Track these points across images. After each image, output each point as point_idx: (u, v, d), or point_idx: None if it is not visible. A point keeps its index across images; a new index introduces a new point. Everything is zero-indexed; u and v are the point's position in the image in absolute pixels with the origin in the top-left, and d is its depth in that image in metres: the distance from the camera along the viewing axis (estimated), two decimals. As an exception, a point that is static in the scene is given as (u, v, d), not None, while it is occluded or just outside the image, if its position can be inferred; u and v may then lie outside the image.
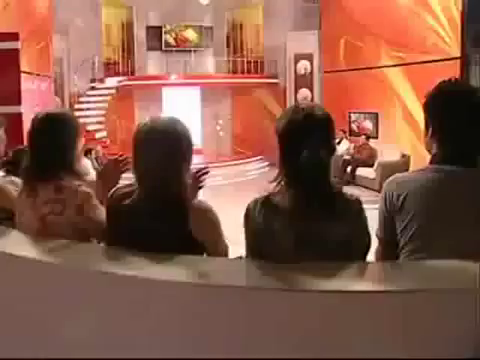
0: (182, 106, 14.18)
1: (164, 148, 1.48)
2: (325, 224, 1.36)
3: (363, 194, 8.24)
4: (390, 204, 1.48)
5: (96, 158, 8.68)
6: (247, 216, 1.46)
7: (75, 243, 1.59)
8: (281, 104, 12.71)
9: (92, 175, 7.04)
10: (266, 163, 13.42)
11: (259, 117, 13.55)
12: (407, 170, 8.32)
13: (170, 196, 1.48)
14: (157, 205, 1.48)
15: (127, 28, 12.96)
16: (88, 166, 7.84)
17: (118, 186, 1.65)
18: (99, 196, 1.72)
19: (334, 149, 1.45)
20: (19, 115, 5.68)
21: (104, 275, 1.34)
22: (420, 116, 7.08)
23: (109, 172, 1.86)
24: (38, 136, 1.76)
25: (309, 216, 1.36)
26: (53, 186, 1.69)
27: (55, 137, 1.73)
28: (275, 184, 1.44)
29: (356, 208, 1.43)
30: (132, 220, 1.49)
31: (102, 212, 1.66)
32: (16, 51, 5.97)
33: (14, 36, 5.91)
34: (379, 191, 7.17)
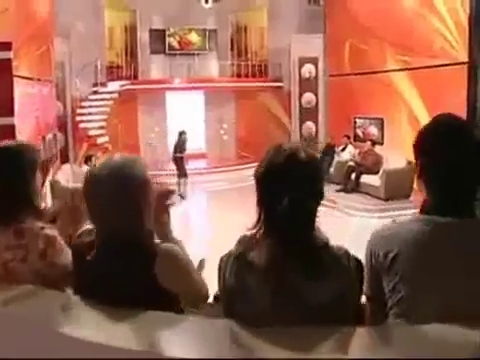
0: (186, 110, 14.08)
1: (111, 195, 1.34)
2: (306, 282, 1.20)
3: (368, 202, 8.06)
4: (377, 262, 1.30)
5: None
6: (219, 270, 1.31)
7: (36, 291, 1.46)
8: (286, 108, 12.58)
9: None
10: (270, 167, 13.28)
11: (263, 121, 13.40)
12: (413, 178, 8.14)
13: (128, 242, 1.36)
14: (117, 252, 1.35)
15: (130, 31, 12.85)
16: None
17: (83, 229, 1.51)
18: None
19: (322, 196, 1.29)
20: (12, 127, 5.58)
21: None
22: (427, 122, 6.87)
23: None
24: None
25: (288, 272, 1.20)
26: (13, 230, 1.55)
27: (6, 174, 1.59)
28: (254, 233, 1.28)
29: (344, 265, 1.26)
30: (95, 267, 1.36)
31: (68, 255, 1.53)
32: (8, 61, 5.86)
33: (7, 46, 5.80)
34: (384, 199, 7.00)
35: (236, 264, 1.25)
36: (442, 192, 1.27)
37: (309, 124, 11.79)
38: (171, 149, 13.29)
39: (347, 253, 1.30)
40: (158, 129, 13.25)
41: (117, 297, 1.26)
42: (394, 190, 7.93)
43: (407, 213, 7.83)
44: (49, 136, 8.51)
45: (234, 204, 9.89)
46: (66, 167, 8.12)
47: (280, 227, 1.21)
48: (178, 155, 10.19)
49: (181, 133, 10.36)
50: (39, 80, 9.12)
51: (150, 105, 13.14)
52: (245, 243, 1.26)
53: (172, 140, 13.56)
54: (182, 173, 10.10)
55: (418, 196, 8.31)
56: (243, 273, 1.23)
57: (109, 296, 1.28)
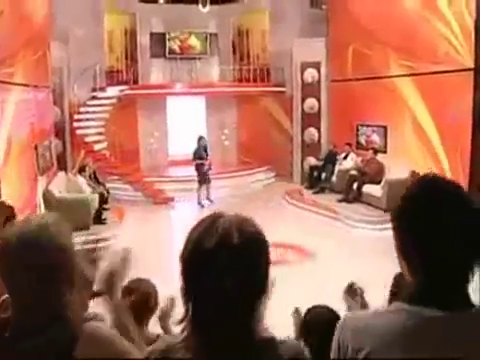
0: (187, 115, 13.89)
1: (21, 265, 1.13)
2: None
3: (369, 214, 7.80)
4: (344, 356, 1.04)
5: (91, 175, 8.35)
6: None
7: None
8: (288, 113, 12.34)
9: (86, 193, 6.68)
10: (273, 174, 13.06)
11: (265, 126, 13.19)
12: None
13: (45, 320, 1.15)
14: (32, 331, 1.13)
15: (130, 35, 12.69)
16: (82, 184, 7.62)
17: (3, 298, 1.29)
18: None
19: (263, 284, 1.00)
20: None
21: None
22: (431, 130, 6.48)
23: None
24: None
25: None
26: None
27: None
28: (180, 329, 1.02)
29: None
30: (11, 346, 1.14)
31: None
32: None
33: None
34: (386, 211, 6.72)
35: None
36: (429, 276, 1.01)
37: (311, 130, 11.54)
38: (169, 153, 13.19)
39: (299, 350, 1.04)
40: (158, 134, 13.07)
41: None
42: (397, 201, 7.63)
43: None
44: (44, 143, 8.32)
45: (236, 209, 9.63)
46: (61, 175, 7.94)
47: (207, 324, 0.97)
48: (199, 161, 9.93)
49: (200, 138, 10.12)
50: (36, 87, 8.98)
51: (150, 110, 12.96)
52: (168, 342, 1.03)
53: (172, 145, 13.47)
54: (204, 179, 9.94)
55: None
56: None
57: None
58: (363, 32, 9.75)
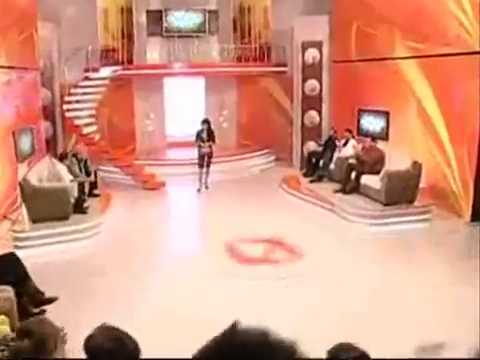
0: (185, 96, 13.42)
1: None
2: None
3: (366, 207, 7.36)
4: None
5: (80, 161, 7.94)
6: None
7: None
8: (288, 94, 11.82)
9: (66, 181, 6.32)
10: (272, 158, 12.62)
11: (266, 107, 12.70)
12: (418, 181, 7.38)
13: None
14: None
15: (126, 13, 12.16)
16: (62, 171, 7.29)
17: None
18: None
19: None
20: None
21: None
22: (437, 116, 5.88)
23: None
24: None
25: None
26: None
27: None
28: None
29: None
30: None
31: None
32: None
33: None
34: (385, 204, 6.26)
35: None
36: None
37: (312, 113, 11.02)
38: (166, 134, 12.76)
39: None
40: (154, 116, 12.66)
41: None
42: (396, 194, 7.18)
43: (409, 220, 7.14)
44: (25, 129, 7.99)
45: (230, 197, 9.37)
46: (43, 162, 7.62)
47: None
48: (200, 144, 9.47)
49: (204, 121, 9.57)
50: (23, 68, 8.59)
51: (147, 90, 12.53)
52: None
53: (170, 126, 13.04)
54: (201, 163, 9.63)
55: (423, 201, 7.60)
56: None
57: None
58: (368, 9, 9.12)
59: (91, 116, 10.18)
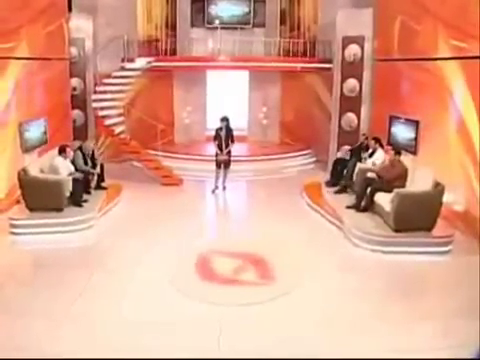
0: (228, 89, 13.02)
1: None
2: None
3: (374, 231, 6.34)
4: None
5: (88, 154, 7.99)
6: None
7: None
8: (331, 92, 10.93)
9: (62, 175, 6.31)
10: (312, 159, 11.81)
11: (309, 105, 11.91)
12: (439, 206, 6.16)
13: None
14: None
15: (171, 3, 12.00)
16: (58, 165, 7.30)
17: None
18: None
19: None
20: None
21: None
22: (475, 129, 4.70)
23: None
24: None
25: None
26: None
27: None
28: None
29: None
30: None
31: None
32: None
33: None
34: (396, 230, 5.22)
35: None
36: None
37: (350, 116, 10.05)
38: (207, 127, 12.41)
39: None
40: (192, 108, 12.45)
41: None
42: (409, 219, 6.15)
43: (422, 251, 6.05)
44: (34, 121, 8.14)
45: (240, 202, 8.86)
46: (50, 153, 7.71)
47: None
48: (223, 156, 8.90)
49: (222, 119, 8.83)
50: (47, 59, 8.73)
51: (188, 82, 12.36)
52: None
53: (211, 119, 12.68)
54: (219, 163, 9.03)
55: (441, 230, 6.37)
56: None
57: None
58: (413, 3, 7.97)
59: (115, 108, 10.08)
